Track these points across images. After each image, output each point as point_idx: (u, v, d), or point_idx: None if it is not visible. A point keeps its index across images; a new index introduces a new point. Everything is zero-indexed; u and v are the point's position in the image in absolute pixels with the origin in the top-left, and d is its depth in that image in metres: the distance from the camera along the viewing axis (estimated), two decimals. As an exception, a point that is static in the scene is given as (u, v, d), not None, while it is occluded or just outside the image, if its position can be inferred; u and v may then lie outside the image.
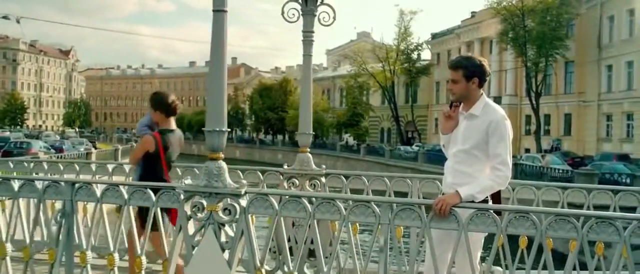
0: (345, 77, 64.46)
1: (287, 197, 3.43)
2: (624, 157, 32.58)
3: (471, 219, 3.14)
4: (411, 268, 4.06)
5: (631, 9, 38.43)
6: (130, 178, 5.80)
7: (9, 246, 3.82)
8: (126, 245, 4.92)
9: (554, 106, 44.66)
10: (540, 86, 41.93)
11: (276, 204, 3.33)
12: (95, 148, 48.18)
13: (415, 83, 58.81)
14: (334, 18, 5.14)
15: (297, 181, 5.24)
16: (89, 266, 3.62)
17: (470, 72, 3.48)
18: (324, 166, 5.41)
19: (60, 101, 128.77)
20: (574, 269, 4.02)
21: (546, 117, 45.08)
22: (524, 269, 3.87)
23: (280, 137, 70.30)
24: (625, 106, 38.65)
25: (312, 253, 4.83)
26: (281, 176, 5.34)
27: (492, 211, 3.16)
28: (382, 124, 66.89)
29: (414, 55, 57.09)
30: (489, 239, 3.52)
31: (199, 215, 3.29)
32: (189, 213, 3.33)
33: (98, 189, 3.68)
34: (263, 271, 3.36)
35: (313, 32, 5.24)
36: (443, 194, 3.51)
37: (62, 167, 6.36)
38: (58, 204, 5.24)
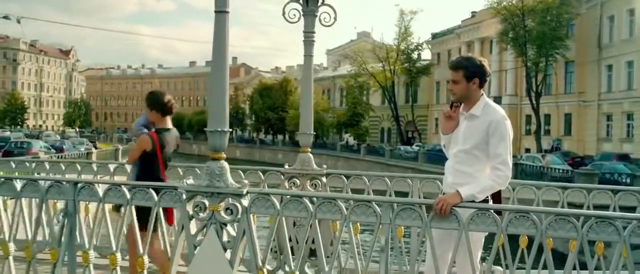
0: (345, 77, 64.48)
1: (288, 197, 3.45)
2: (624, 157, 32.60)
3: (472, 219, 3.16)
4: (412, 267, 4.07)
5: (631, 9, 38.44)
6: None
7: (11, 246, 3.84)
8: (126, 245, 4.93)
9: (554, 105, 44.68)
10: (540, 85, 41.95)
11: (278, 204, 3.35)
12: (96, 148, 48.26)
13: (416, 83, 58.83)
14: (335, 18, 5.16)
15: (298, 181, 5.27)
16: (91, 265, 3.63)
17: (471, 72, 3.50)
18: (325, 166, 5.43)
19: (60, 101, 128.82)
20: (574, 268, 4.04)
21: (546, 117, 45.09)
22: (524, 268, 3.89)
23: (280, 137, 70.33)
24: (625, 105, 38.66)
25: (313, 253, 4.85)
26: (282, 176, 5.36)
27: (492, 211, 3.18)
28: (383, 124, 66.91)
29: (414, 55, 57.12)
30: (490, 239, 3.54)
31: (201, 215, 3.30)
32: (191, 212, 3.35)
33: (100, 189, 3.70)
34: (265, 270, 3.38)
35: (314, 32, 5.27)
36: (444, 194, 3.53)
37: (63, 167, 6.38)
38: (59, 204, 5.27)
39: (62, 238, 3.71)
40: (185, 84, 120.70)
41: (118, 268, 3.63)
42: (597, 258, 4.68)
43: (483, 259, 3.91)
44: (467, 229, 3.16)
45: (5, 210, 5.14)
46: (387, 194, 5.19)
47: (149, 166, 4.50)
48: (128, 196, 3.59)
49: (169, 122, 4.71)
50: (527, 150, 42.99)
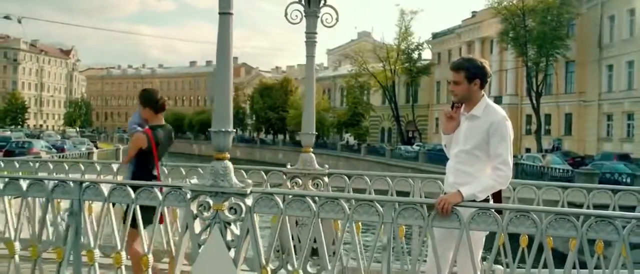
0: (346, 76, 64.49)
1: (291, 196, 3.49)
2: (624, 157, 32.61)
3: (473, 218, 3.20)
4: (413, 267, 4.11)
5: (632, 9, 38.45)
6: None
7: (17, 245, 3.88)
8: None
9: (555, 105, 44.69)
10: (540, 85, 41.96)
11: (281, 204, 3.39)
12: (97, 148, 48.32)
13: (416, 83, 58.84)
14: (337, 19, 5.20)
15: (300, 181, 5.30)
16: (96, 264, 3.67)
17: (472, 73, 3.54)
18: (326, 166, 5.47)
19: (61, 101, 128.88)
20: (574, 268, 4.08)
21: (547, 117, 45.10)
22: (524, 268, 3.92)
23: (280, 137, 70.35)
24: (625, 105, 38.67)
25: (314, 252, 4.89)
26: (284, 176, 5.39)
27: (493, 210, 3.22)
28: (383, 124, 66.93)
29: (415, 55, 57.11)
30: (490, 238, 3.58)
31: (205, 214, 3.34)
32: (195, 211, 3.39)
33: (105, 189, 3.74)
34: (268, 269, 3.41)
35: (316, 33, 5.30)
36: (445, 193, 3.57)
37: (67, 167, 6.43)
38: (63, 204, 5.31)
39: (68, 237, 3.75)
40: (185, 83, 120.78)
41: (123, 267, 3.66)
42: (597, 257, 4.71)
43: (484, 258, 3.95)
44: (468, 228, 3.20)
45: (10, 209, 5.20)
46: (389, 193, 5.22)
47: (145, 163, 4.54)
48: (133, 195, 3.63)
49: (162, 119, 4.75)
50: (528, 150, 42.99)
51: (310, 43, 5.35)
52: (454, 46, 57.65)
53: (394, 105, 56.54)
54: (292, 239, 4.37)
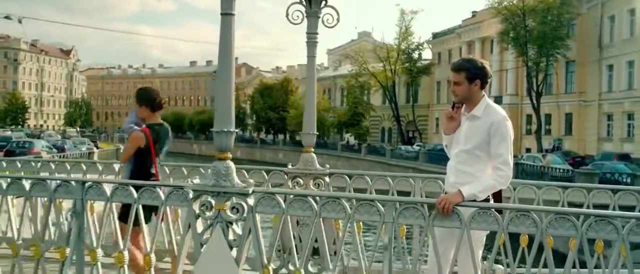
0: (346, 76, 64.51)
1: (292, 196, 3.51)
2: (624, 157, 32.63)
3: (473, 218, 3.22)
4: (414, 266, 4.13)
5: (632, 9, 38.46)
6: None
7: (20, 244, 3.90)
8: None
9: (555, 105, 44.70)
10: (541, 85, 41.97)
11: (283, 203, 3.41)
12: (97, 148, 48.38)
13: (416, 83, 58.86)
14: (338, 20, 5.22)
15: (301, 181, 5.32)
16: (99, 264, 3.69)
17: (473, 74, 3.56)
18: (327, 166, 5.49)
19: (61, 101, 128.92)
20: (574, 267, 4.09)
21: (547, 117, 45.11)
22: (524, 267, 3.94)
23: (281, 136, 70.37)
24: (626, 105, 38.68)
25: (316, 252, 4.91)
26: (286, 176, 5.41)
27: (493, 210, 3.24)
28: (383, 124, 66.94)
29: (415, 55, 57.12)
30: (491, 238, 3.60)
31: (208, 214, 3.36)
32: (197, 211, 3.41)
33: (108, 189, 3.76)
34: (270, 268, 3.43)
35: (317, 33, 5.32)
36: (445, 193, 3.60)
37: (69, 167, 6.44)
38: (65, 203, 5.33)
39: (71, 237, 3.77)
40: (185, 83, 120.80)
41: (126, 266, 3.68)
42: (597, 257, 4.73)
43: (484, 258, 3.96)
44: (468, 228, 3.22)
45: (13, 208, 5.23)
46: (390, 193, 5.23)
47: (143, 162, 4.55)
48: (135, 195, 3.65)
49: (159, 118, 4.75)
50: (528, 150, 43.00)
51: (311, 43, 5.36)
52: (454, 46, 57.66)
53: (394, 105, 56.55)
54: (294, 238, 4.39)
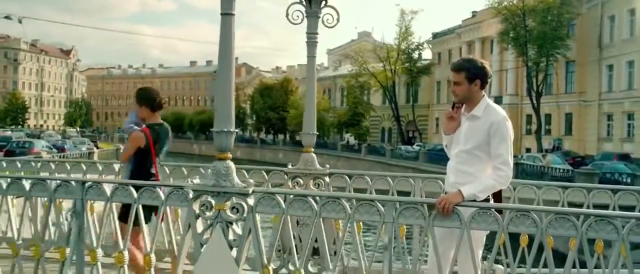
0: (346, 76, 64.52)
1: (292, 196, 3.51)
2: (624, 157, 32.63)
3: (473, 218, 3.22)
4: (414, 266, 4.13)
5: (632, 9, 38.47)
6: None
7: (20, 244, 3.90)
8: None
9: (555, 105, 44.71)
10: (541, 85, 41.98)
11: (283, 203, 3.41)
12: (97, 148, 48.40)
13: (416, 83, 58.87)
14: (338, 20, 5.22)
15: (301, 181, 5.32)
16: (99, 264, 3.69)
17: (473, 74, 3.56)
18: (327, 166, 5.49)
19: (61, 101, 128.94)
20: (574, 267, 4.09)
21: (547, 117, 45.12)
22: (524, 267, 3.94)
23: (281, 136, 70.38)
24: (626, 105, 38.69)
25: (316, 252, 4.91)
26: (286, 176, 5.41)
27: (493, 210, 3.24)
28: (383, 124, 66.96)
29: (415, 55, 57.14)
30: (491, 238, 3.60)
31: (208, 214, 3.36)
32: (197, 211, 3.41)
33: (108, 189, 3.76)
34: (270, 268, 3.44)
35: (317, 34, 5.32)
36: (445, 193, 3.60)
37: (69, 167, 6.45)
38: (64, 203, 5.33)
39: (71, 237, 3.77)
40: (185, 83, 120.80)
41: (126, 266, 3.68)
42: (597, 257, 4.73)
43: (484, 258, 3.96)
44: (469, 228, 3.22)
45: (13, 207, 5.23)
46: (390, 193, 5.24)
47: (143, 162, 4.55)
48: (135, 195, 3.65)
49: (159, 118, 4.75)
50: (528, 150, 43.02)
51: (312, 43, 5.37)
52: (454, 46, 57.67)
53: (394, 105, 56.56)
54: (294, 238, 4.39)
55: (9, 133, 57.60)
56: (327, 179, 5.37)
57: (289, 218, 3.70)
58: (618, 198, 4.88)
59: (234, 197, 3.36)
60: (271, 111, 69.12)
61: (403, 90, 61.77)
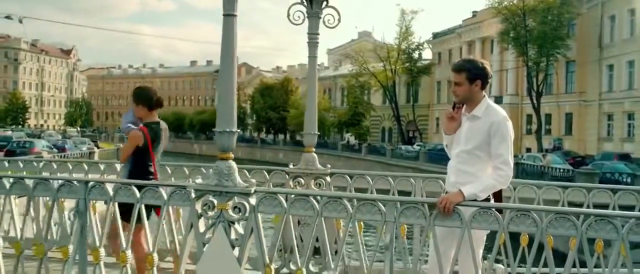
0: (346, 76, 64.51)
1: (294, 196, 3.53)
2: (624, 157, 32.64)
3: (474, 217, 3.24)
4: (415, 266, 4.15)
5: (632, 9, 38.47)
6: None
7: (23, 244, 3.92)
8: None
9: (555, 105, 44.71)
10: (541, 85, 41.97)
11: (284, 203, 3.43)
12: (98, 147, 48.41)
13: (417, 82, 58.89)
14: (339, 20, 5.23)
15: (302, 180, 5.34)
16: (102, 263, 3.71)
17: (473, 74, 3.58)
18: (329, 166, 5.51)
19: (61, 101, 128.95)
20: (574, 266, 4.11)
21: (547, 117, 45.12)
22: (524, 267, 3.96)
23: (281, 136, 70.38)
24: (626, 105, 38.70)
25: (317, 251, 4.93)
26: (287, 176, 5.43)
27: (494, 209, 3.26)
28: (384, 124, 66.95)
29: (415, 55, 57.15)
30: (491, 238, 3.62)
31: (210, 213, 3.38)
32: (199, 211, 3.43)
33: (110, 188, 3.78)
34: (272, 268, 3.45)
35: (318, 34, 5.33)
36: (446, 192, 3.61)
37: (70, 167, 6.47)
38: (66, 203, 5.35)
39: (73, 236, 3.79)
40: (186, 83, 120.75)
41: (128, 266, 3.70)
42: (597, 256, 4.75)
43: (485, 257, 3.98)
44: (469, 227, 3.24)
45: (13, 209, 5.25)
46: (391, 193, 5.25)
47: (142, 161, 4.55)
48: (137, 195, 3.67)
49: (156, 116, 4.77)
50: (528, 150, 43.02)
51: (313, 44, 5.38)
52: (455, 46, 57.67)
53: (395, 105, 56.57)
54: (295, 238, 4.41)
55: (9, 133, 57.62)
56: (328, 179, 5.39)
57: (290, 217, 3.71)
58: (618, 198, 4.90)
59: (236, 197, 3.38)
60: (271, 111, 69.11)
61: (403, 90, 61.76)
